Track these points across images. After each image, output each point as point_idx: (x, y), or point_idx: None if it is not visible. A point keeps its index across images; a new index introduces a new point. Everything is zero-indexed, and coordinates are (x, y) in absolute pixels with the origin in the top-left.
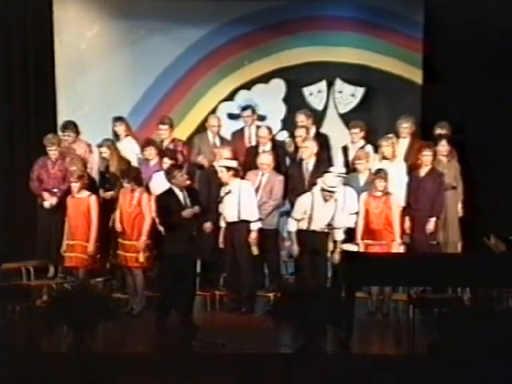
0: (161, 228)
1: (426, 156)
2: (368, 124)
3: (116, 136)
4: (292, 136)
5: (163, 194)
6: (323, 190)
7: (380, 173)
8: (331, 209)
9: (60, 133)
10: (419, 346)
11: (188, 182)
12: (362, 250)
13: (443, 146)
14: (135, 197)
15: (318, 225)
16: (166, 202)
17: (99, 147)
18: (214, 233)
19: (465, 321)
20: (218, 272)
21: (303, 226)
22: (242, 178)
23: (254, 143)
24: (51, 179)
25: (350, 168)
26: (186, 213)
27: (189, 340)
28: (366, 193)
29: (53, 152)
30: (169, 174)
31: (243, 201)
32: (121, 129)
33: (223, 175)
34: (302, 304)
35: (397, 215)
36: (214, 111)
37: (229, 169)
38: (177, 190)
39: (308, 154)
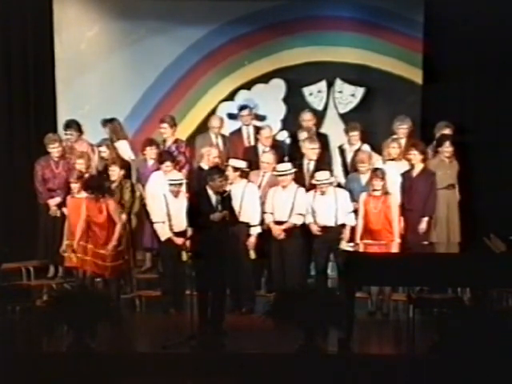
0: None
1: (413, 155)
2: (368, 124)
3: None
4: (292, 137)
5: (196, 193)
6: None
7: (377, 172)
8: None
9: (62, 131)
10: (419, 345)
11: (225, 188)
12: (361, 249)
13: (447, 148)
14: (102, 205)
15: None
16: (197, 202)
17: (98, 147)
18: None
19: (465, 321)
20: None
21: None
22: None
23: (252, 143)
24: (56, 179)
25: (350, 168)
26: (215, 216)
27: (189, 340)
28: (365, 193)
29: (55, 150)
30: (209, 175)
31: (246, 203)
32: (107, 131)
33: (230, 175)
34: (302, 304)
35: (396, 215)
36: (213, 111)
37: (236, 169)
38: (211, 192)
39: (316, 153)
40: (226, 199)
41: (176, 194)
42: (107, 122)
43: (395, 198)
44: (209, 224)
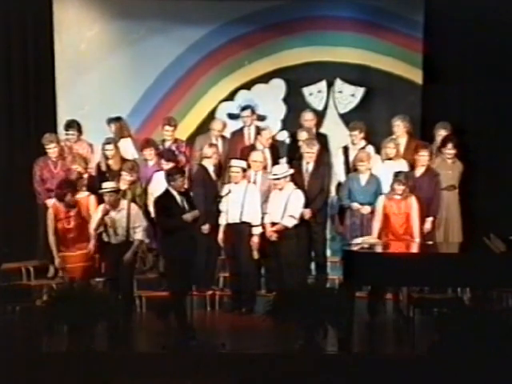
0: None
1: (423, 156)
2: (368, 124)
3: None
4: (292, 137)
5: (162, 196)
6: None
7: (399, 176)
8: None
9: (63, 131)
10: (419, 345)
11: (186, 187)
12: (380, 250)
13: (450, 150)
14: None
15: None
16: (166, 204)
17: (105, 144)
18: (212, 233)
19: (465, 321)
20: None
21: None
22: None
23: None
24: (55, 179)
25: (351, 168)
26: (188, 216)
27: (188, 340)
28: (384, 196)
29: (52, 150)
30: (170, 176)
31: (247, 203)
32: (113, 129)
33: (237, 176)
34: (302, 304)
35: (417, 217)
36: (213, 111)
37: (244, 169)
38: (175, 193)
39: (313, 158)
40: (190, 198)
41: (113, 205)
42: (113, 121)
43: (415, 201)
44: (180, 224)
